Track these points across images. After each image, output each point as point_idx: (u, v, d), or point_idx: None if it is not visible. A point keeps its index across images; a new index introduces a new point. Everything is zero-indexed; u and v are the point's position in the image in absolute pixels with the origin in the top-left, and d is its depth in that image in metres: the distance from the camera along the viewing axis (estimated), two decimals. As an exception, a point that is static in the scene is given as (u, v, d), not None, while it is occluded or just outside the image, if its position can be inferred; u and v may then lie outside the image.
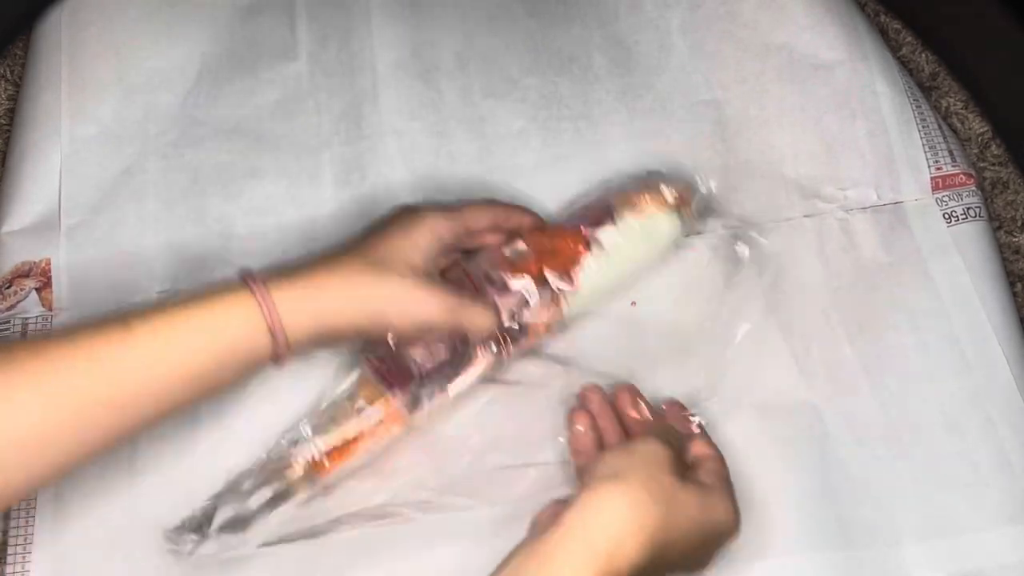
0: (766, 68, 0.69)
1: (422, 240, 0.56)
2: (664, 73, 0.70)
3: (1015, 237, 0.66)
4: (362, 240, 0.56)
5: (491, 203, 0.62)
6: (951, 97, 0.70)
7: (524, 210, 0.62)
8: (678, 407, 0.59)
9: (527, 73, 0.70)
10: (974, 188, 0.65)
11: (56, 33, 0.70)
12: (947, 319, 0.62)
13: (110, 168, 0.68)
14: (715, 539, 0.52)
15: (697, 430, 0.57)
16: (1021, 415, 0.60)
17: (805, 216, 0.66)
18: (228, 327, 0.50)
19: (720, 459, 0.55)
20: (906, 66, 0.70)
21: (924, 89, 0.69)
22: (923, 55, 0.71)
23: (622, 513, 0.47)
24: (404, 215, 0.57)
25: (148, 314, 0.49)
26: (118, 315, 0.49)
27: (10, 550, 0.59)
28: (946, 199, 0.65)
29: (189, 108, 0.69)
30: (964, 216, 0.65)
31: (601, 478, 0.49)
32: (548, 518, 0.49)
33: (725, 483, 0.53)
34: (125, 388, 0.48)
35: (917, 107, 0.67)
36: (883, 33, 0.70)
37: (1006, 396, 0.60)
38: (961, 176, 0.66)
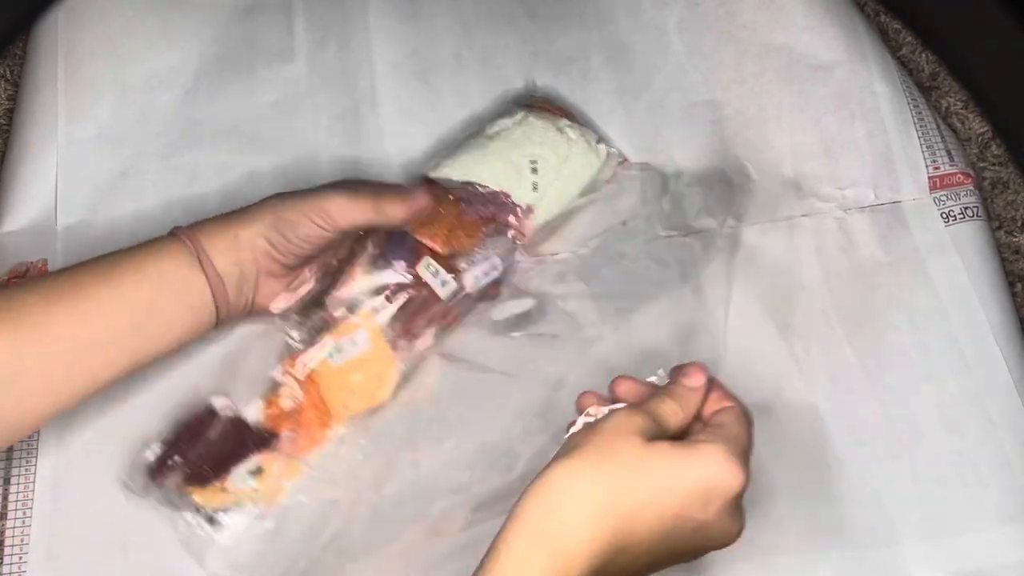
0: (765, 68, 0.69)
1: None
2: (662, 73, 0.70)
3: (1015, 237, 0.66)
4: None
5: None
6: (951, 97, 0.70)
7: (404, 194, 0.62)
8: (681, 369, 0.52)
9: (525, 74, 0.70)
10: (972, 188, 0.66)
11: (53, 34, 0.70)
12: (946, 318, 0.62)
13: (107, 169, 0.68)
14: (707, 502, 0.45)
15: (697, 383, 0.51)
16: (1020, 415, 0.60)
17: (804, 216, 0.66)
18: (159, 270, 0.53)
19: (733, 409, 0.49)
20: (906, 66, 0.70)
21: (924, 89, 0.69)
22: (923, 55, 0.71)
23: (572, 492, 0.43)
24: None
25: (76, 268, 0.53)
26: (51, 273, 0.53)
27: (7, 551, 0.58)
28: (944, 199, 0.65)
29: (187, 109, 0.69)
30: (962, 216, 0.65)
31: (556, 458, 0.45)
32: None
33: (730, 434, 0.47)
34: (61, 339, 0.51)
35: (915, 107, 0.67)
36: (883, 33, 0.70)
37: (1006, 396, 0.60)
38: (959, 176, 0.66)
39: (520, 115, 0.64)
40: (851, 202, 0.66)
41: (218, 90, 0.70)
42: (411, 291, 0.60)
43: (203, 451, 0.58)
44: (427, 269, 0.60)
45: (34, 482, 0.60)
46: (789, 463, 0.59)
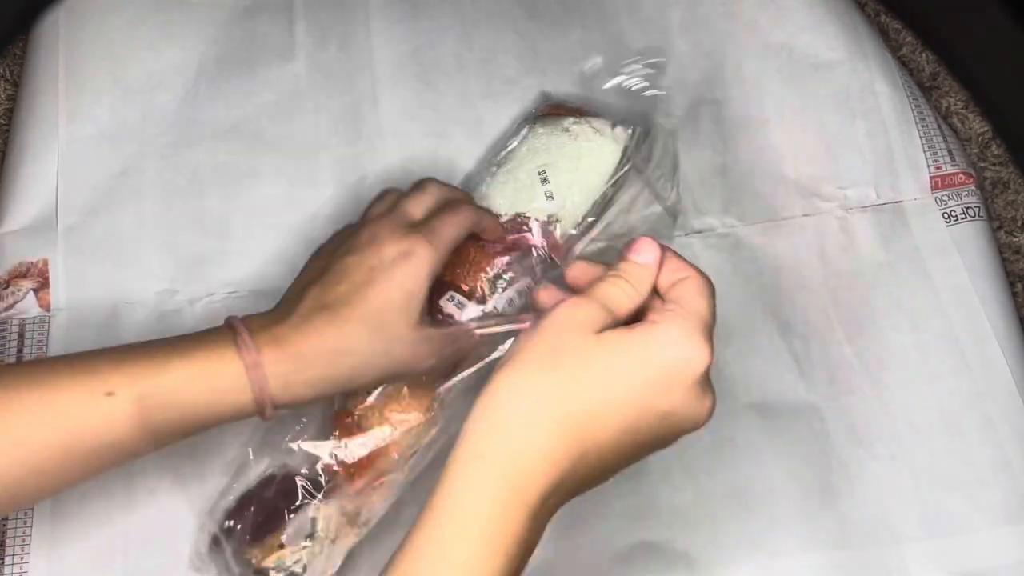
0: (766, 68, 0.69)
1: (417, 285, 0.50)
2: (663, 73, 0.70)
3: (1015, 237, 0.66)
4: (358, 296, 0.50)
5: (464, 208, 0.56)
6: (951, 97, 0.70)
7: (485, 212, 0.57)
8: (630, 245, 0.46)
9: (526, 74, 0.70)
10: (973, 188, 0.66)
11: (53, 33, 0.70)
12: (946, 318, 0.62)
13: (107, 169, 0.68)
14: (670, 388, 0.41)
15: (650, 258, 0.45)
16: (1020, 415, 0.60)
17: (804, 215, 0.66)
18: (210, 390, 0.48)
19: (691, 279, 0.45)
20: (906, 66, 0.70)
21: (924, 89, 0.69)
22: (923, 55, 0.71)
23: (519, 403, 0.40)
24: (391, 252, 0.51)
25: (129, 370, 0.47)
26: (100, 368, 0.47)
27: (8, 551, 0.58)
28: (945, 198, 0.65)
29: (187, 109, 0.69)
30: (963, 216, 0.65)
31: (500, 364, 0.42)
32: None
33: (689, 308, 0.43)
34: (101, 442, 0.47)
35: (916, 107, 0.67)
36: (883, 33, 0.70)
37: (1006, 396, 0.60)
38: (960, 176, 0.66)
39: (524, 131, 0.63)
40: (852, 202, 0.66)
41: (218, 90, 0.70)
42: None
43: (257, 507, 0.55)
44: (450, 301, 0.56)
45: None
46: (789, 463, 0.59)
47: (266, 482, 0.56)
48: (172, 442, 0.49)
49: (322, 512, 0.55)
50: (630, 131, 0.61)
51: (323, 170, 0.68)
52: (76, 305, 0.64)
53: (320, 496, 0.55)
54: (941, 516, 0.58)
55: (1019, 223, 0.67)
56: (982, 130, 0.69)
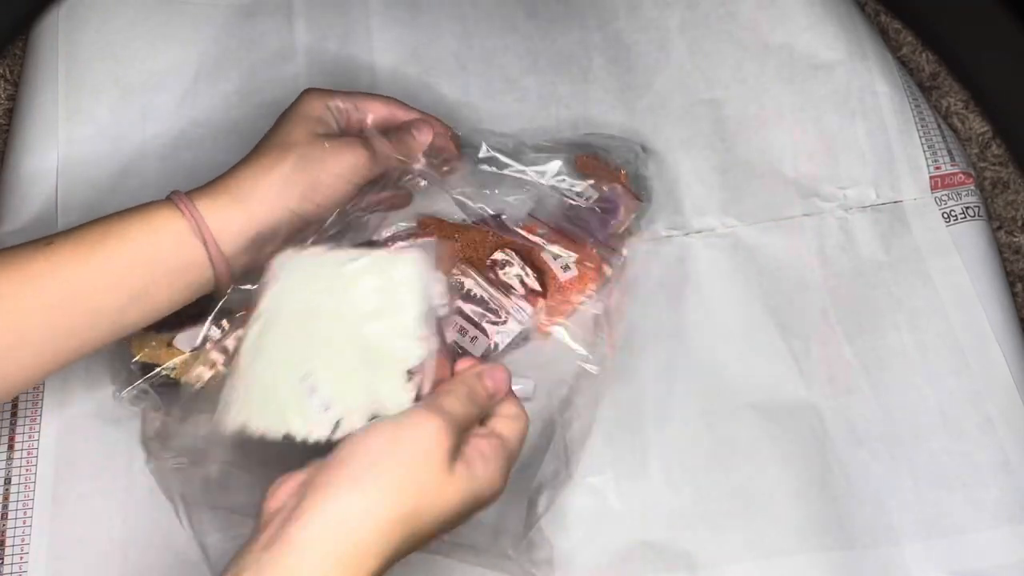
0: (765, 67, 0.69)
1: (314, 108, 0.56)
2: (663, 72, 0.70)
3: (1015, 237, 0.66)
4: (267, 135, 0.56)
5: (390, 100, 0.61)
6: (951, 97, 0.70)
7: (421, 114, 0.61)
8: (487, 368, 0.50)
9: (526, 73, 0.70)
10: (973, 187, 0.65)
11: (53, 33, 0.70)
12: (946, 318, 0.62)
13: (107, 168, 0.68)
14: (471, 513, 0.47)
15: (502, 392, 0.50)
16: (1020, 415, 0.60)
17: (804, 215, 0.66)
18: (154, 238, 0.51)
19: (518, 419, 0.49)
20: (906, 66, 0.70)
21: (924, 89, 0.69)
22: (923, 55, 0.71)
23: (369, 525, 0.42)
24: (296, 101, 0.58)
25: (71, 231, 0.51)
26: (44, 237, 0.51)
27: (8, 551, 0.58)
28: (945, 198, 0.65)
29: (186, 109, 0.69)
30: (963, 215, 0.65)
31: (346, 475, 0.43)
32: (285, 504, 0.43)
33: (507, 455, 0.48)
34: (54, 302, 0.49)
35: (916, 106, 0.67)
36: (883, 33, 0.70)
37: (1006, 396, 0.60)
38: (960, 175, 0.66)
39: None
40: (852, 202, 0.66)
41: (218, 90, 0.70)
42: None
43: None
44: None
45: (35, 483, 0.60)
46: (789, 463, 0.59)
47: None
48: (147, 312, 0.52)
49: (216, 334, 0.57)
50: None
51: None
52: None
53: (223, 321, 0.57)
54: (941, 516, 0.58)
55: (1019, 223, 0.67)
56: (982, 130, 0.69)
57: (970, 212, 0.65)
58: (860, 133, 0.67)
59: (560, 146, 0.64)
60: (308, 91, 0.57)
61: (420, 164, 0.58)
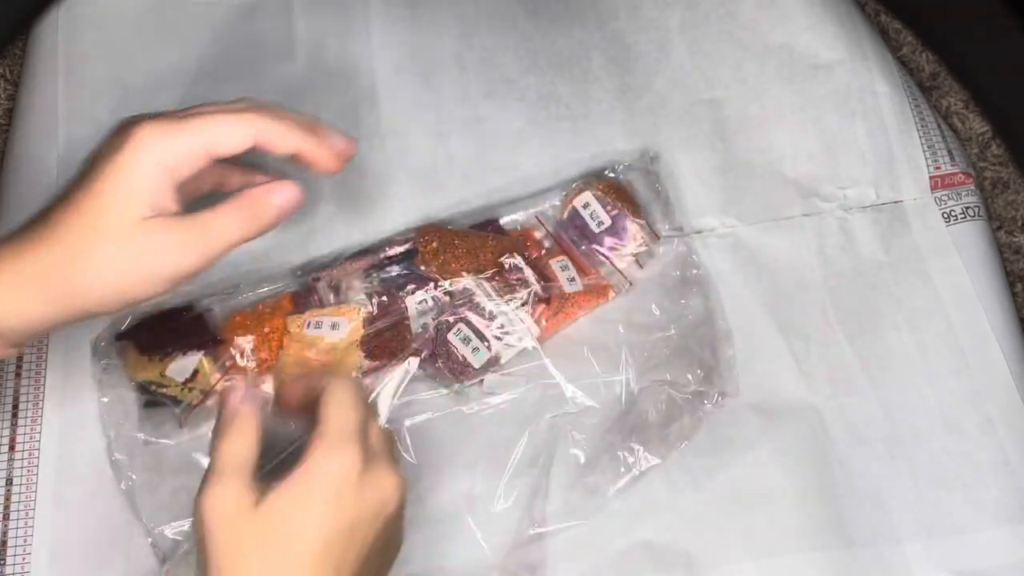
0: (765, 67, 0.69)
1: (140, 174, 0.42)
2: (663, 72, 0.70)
3: (1016, 237, 0.66)
4: (62, 193, 0.44)
5: (244, 104, 0.48)
6: (951, 97, 0.70)
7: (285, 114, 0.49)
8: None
9: (525, 73, 0.70)
10: (973, 187, 0.65)
11: (53, 33, 0.70)
12: (946, 318, 0.62)
13: (107, 169, 0.68)
14: (391, 527, 0.46)
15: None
16: (1020, 415, 0.60)
17: (804, 215, 0.66)
18: None
19: (332, 388, 0.47)
20: (906, 66, 0.70)
21: (924, 89, 0.69)
22: (923, 55, 0.71)
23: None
24: (112, 139, 0.44)
25: None
26: None
27: (10, 552, 0.58)
28: (945, 198, 0.65)
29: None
30: (963, 215, 0.65)
31: (272, 529, 0.42)
32: None
33: (391, 457, 0.47)
34: None
35: (916, 106, 0.67)
36: (883, 33, 0.70)
37: (1006, 396, 0.60)
38: (960, 175, 0.66)
39: None
40: (852, 202, 0.66)
41: (218, 90, 0.69)
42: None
43: (160, 330, 0.60)
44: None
45: (36, 484, 0.60)
46: (789, 463, 0.59)
47: (178, 312, 0.61)
48: None
49: (206, 367, 0.59)
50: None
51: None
52: (76, 305, 0.64)
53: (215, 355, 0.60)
54: (941, 516, 0.58)
55: (1019, 223, 0.67)
56: (982, 130, 0.69)
57: (970, 212, 0.65)
58: (860, 133, 0.67)
59: (589, 177, 0.65)
60: (136, 128, 0.43)
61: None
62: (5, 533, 0.59)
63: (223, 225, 0.44)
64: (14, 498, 0.59)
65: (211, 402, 0.59)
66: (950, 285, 0.63)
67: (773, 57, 0.69)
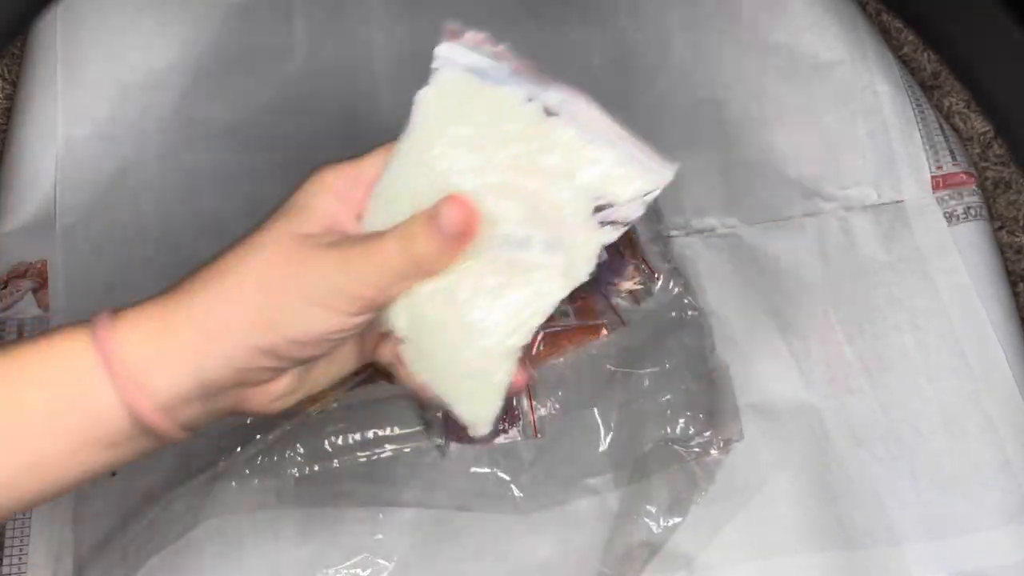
0: (766, 67, 0.69)
1: (314, 193, 0.39)
2: (664, 72, 0.69)
3: (1017, 237, 0.66)
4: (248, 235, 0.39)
5: None
6: (953, 96, 0.70)
7: None
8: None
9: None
10: (975, 188, 0.65)
11: (51, 32, 0.70)
12: (947, 319, 0.62)
13: (106, 168, 0.68)
14: None
15: None
16: (1021, 415, 0.60)
17: (805, 215, 0.66)
18: (53, 383, 0.35)
19: None
20: (907, 65, 0.70)
21: (926, 88, 0.69)
22: (925, 54, 0.70)
23: None
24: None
25: None
26: None
27: (7, 551, 0.58)
28: (946, 198, 0.65)
29: (185, 108, 0.69)
30: (965, 216, 0.65)
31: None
32: None
33: None
34: None
35: (918, 106, 0.67)
36: (884, 32, 0.70)
37: (1007, 396, 0.60)
38: (962, 175, 0.66)
39: None
40: (853, 202, 0.66)
41: (217, 89, 0.70)
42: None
43: None
44: None
45: None
46: (789, 463, 0.59)
47: None
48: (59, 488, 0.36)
49: None
50: None
51: (322, 170, 0.68)
52: (75, 306, 0.64)
53: None
54: (941, 516, 0.58)
55: (1020, 223, 0.67)
56: (983, 130, 0.69)
57: (971, 212, 0.65)
58: (861, 133, 0.67)
59: None
60: (312, 171, 0.40)
61: None
62: (2, 534, 0.59)
63: (383, 246, 0.37)
64: None
65: None
66: (951, 285, 0.63)
67: (774, 57, 0.69)
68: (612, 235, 0.37)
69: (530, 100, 0.38)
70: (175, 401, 0.35)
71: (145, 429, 0.35)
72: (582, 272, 0.37)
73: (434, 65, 0.38)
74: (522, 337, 0.37)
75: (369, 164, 0.39)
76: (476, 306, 0.37)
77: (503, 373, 0.37)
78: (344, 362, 0.40)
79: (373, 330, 0.38)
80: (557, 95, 0.37)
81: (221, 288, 0.36)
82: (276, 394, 0.38)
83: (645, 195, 0.37)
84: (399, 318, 0.37)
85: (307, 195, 0.38)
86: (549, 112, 0.37)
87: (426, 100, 0.38)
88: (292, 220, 0.37)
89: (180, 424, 0.36)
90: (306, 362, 0.37)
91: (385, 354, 0.40)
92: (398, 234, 0.36)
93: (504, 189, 0.36)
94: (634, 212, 0.37)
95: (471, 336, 0.37)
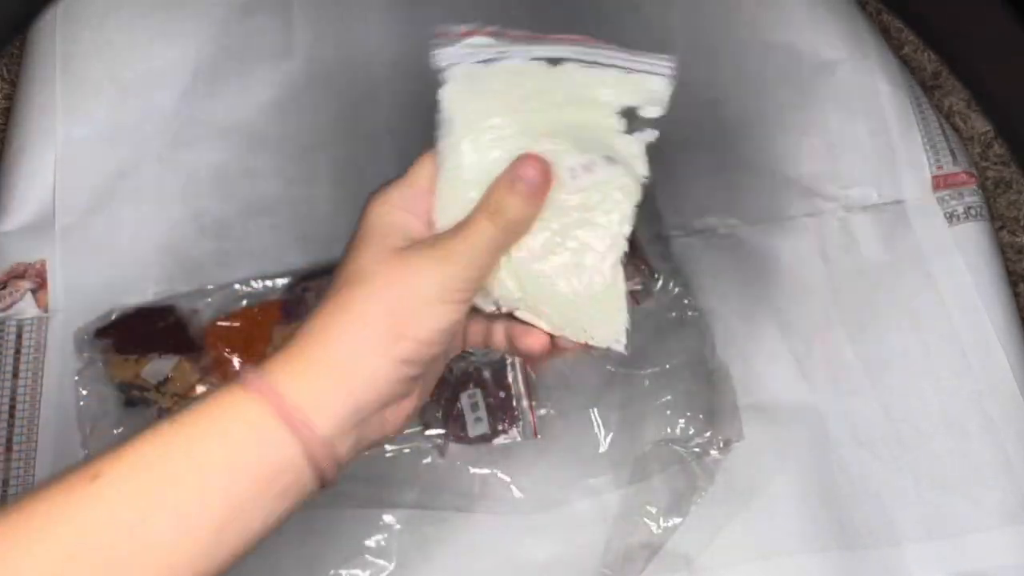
0: (766, 67, 0.68)
1: (379, 215, 0.41)
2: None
3: (1018, 237, 0.66)
4: (337, 269, 0.41)
5: None
6: (953, 96, 0.70)
7: None
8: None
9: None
10: (975, 187, 0.65)
11: (50, 33, 0.70)
12: (948, 319, 0.62)
13: (105, 169, 0.68)
14: None
15: None
16: (1022, 415, 0.60)
17: (806, 215, 0.66)
18: (225, 445, 0.36)
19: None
20: (908, 65, 0.70)
21: (926, 88, 0.69)
22: (925, 54, 0.70)
23: None
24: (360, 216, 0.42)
25: (121, 451, 0.35)
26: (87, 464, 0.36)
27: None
28: (947, 198, 0.65)
29: (185, 108, 0.69)
30: (965, 216, 0.64)
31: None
32: None
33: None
34: (104, 553, 0.34)
35: (918, 106, 0.67)
36: (885, 32, 0.70)
37: (1007, 396, 0.60)
38: (962, 175, 0.66)
39: None
40: (854, 201, 0.66)
41: (216, 89, 0.70)
42: None
43: (141, 331, 0.61)
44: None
45: (33, 483, 0.60)
46: (789, 463, 0.59)
47: (160, 312, 0.62)
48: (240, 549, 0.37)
49: (187, 369, 0.60)
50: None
51: (321, 169, 0.68)
52: (74, 306, 0.64)
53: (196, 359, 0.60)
54: (942, 516, 0.58)
55: (1021, 223, 0.67)
56: (984, 130, 0.69)
57: (972, 212, 0.65)
58: (861, 133, 0.67)
59: None
60: (369, 197, 0.41)
61: None
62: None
63: (475, 225, 0.39)
64: (11, 498, 0.59)
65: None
66: (952, 285, 0.63)
67: (774, 56, 0.69)
68: (648, 136, 0.41)
69: (533, 59, 0.42)
70: (336, 433, 0.37)
71: (312, 469, 0.37)
72: (642, 170, 0.41)
73: (441, 65, 0.42)
74: (622, 246, 0.40)
75: (418, 173, 0.42)
76: (572, 237, 0.40)
77: (619, 282, 0.40)
78: (444, 360, 0.42)
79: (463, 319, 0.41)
80: (552, 47, 0.42)
81: (347, 319, 0.38)
82: (409, 409, 0.40)
83: (654, 91, 0.42)
84: (506, 286, 0.40)
85: (377, 216, 0.41)
86: (553, 62, 0.42)
87: (448, 97, 0.41)
88: (378, 241, 0.40)
89: (336, 461, 0.38)
90: (432, 362, 0.40)
91: (476, 337, 0.43)
92: (483, 209, 0.39)
93: (548, 133, 0.40)
94: (653, 110, 0.42)
95: (580, 265, 0.40)
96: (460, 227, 0.39)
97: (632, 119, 0.41)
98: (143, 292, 0.65)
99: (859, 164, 0.66)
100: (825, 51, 0.68)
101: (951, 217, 0.65)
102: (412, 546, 0.57)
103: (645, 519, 0.57)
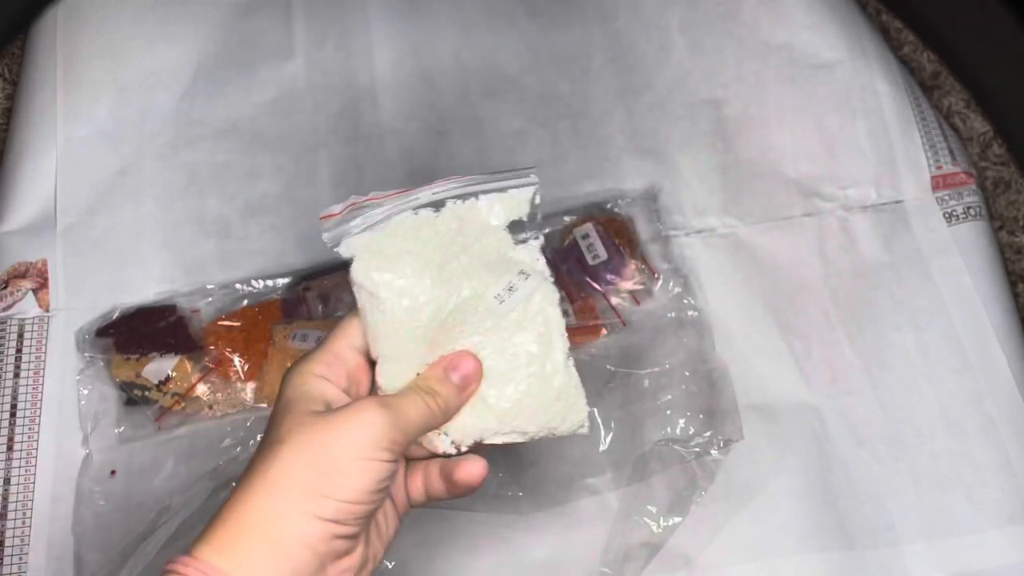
0: (766, 67, 0.68)
1: (298, 384, 0.42)
2: (663, 72, 0.69)
3: (1017, 237, 0.66)
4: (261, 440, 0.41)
5: None
6: (953, 96, 0.70)
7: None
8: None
9: (525, 72, 0.70)
10: (975, 187, 0.65)
11: (51, 32, 0.70)
12: (947, 319, 0.62)
13: (106, 168, 0.68)
14: None
15: None
16: (1021, 415, 0.60)
17: (805, 215, 0.66)
18: None
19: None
20: (907, 65, 0.70)
21: (926, 88, 0.69)
22: (924, 54, 0.70)
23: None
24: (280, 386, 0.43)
25: None
26: None
27: (7, 551, 0.58)
28: (946, 198, 0.65)
29: (185, 108, 0.69)
30: (964, 215, 0.65)
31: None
32: None
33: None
34: None
35: (917, 106, 0.67)
36: (884, 32, 0.70)
37: (1007, 396, 0.60)
38: (962, 175, 0.66)
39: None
40: (853, 201, 0.66)
41: (217, 89, 0.70)
42: None
43: (142, 330, 0.61)
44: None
45: (34, 483, 0.60)
46: (789, 463, 0.59)
47: (161, 312, 0.62)
48: None
49: (187, 368, 0.61)
50: None
51: (322, 169, 0.68)
52: (75, 305, 0.64)
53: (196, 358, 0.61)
54: (941, 517, 0.58)
55: (1021, 223, 0.67)
56: (983, 130, 0.69)
57: (971, 212, 0.65)
58: (861, 133, 0.67)
59: (592, 209, 0.65)
60: (288, 368, 0.43)
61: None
62: (3, 533, 0.59)
63: (408, 399, 0.42)
64: (12, 498, 0.59)
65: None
66: (951, 285, 0.63)
67: (774, 56, 0.69)
68: (536, 242, 0.44)
69: (415, 211, 0.44)
70: None
71: None
72: (545, 271, 0.44)
73: (337, 247, 0.44)
74: (563, 342, 0.43)
75: (337, 343, 0.44)
76: (515, 355, 0.43)
77: (572, 371, 0.43)
78: (388, 524, 0.43)
79: (401, 481, 0.43)
80: (428, 191, 0.44)
81: (269, 480, 0.39)
82: (355, 566, 0.40)
83: (526, 199, 0.44)
84: (467, 427, 0.43)
85: (295, 388, 0.42)
86: (436, 206, 0.44)
87: (359, 271, 0.43)
88: (300, 408, 0.41)
89: None
90: (366, 519, 0.40)
91: (417, 494, 0.44)
92: (418, 388, 0.42)
93: (464, 273, 0.43)
94: (529, 219, 0.45)
95: (541, 373, 0.43)
96: (391, 397, 0.42)
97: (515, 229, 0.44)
98: (144, 291, 0.65)
99: (858, 164, 0.66)
100: (824, 51, 0.68)
101: (950, 217, 0.65)
102: (412, 545, 0.57)
103: (645, 518, 0.57)
